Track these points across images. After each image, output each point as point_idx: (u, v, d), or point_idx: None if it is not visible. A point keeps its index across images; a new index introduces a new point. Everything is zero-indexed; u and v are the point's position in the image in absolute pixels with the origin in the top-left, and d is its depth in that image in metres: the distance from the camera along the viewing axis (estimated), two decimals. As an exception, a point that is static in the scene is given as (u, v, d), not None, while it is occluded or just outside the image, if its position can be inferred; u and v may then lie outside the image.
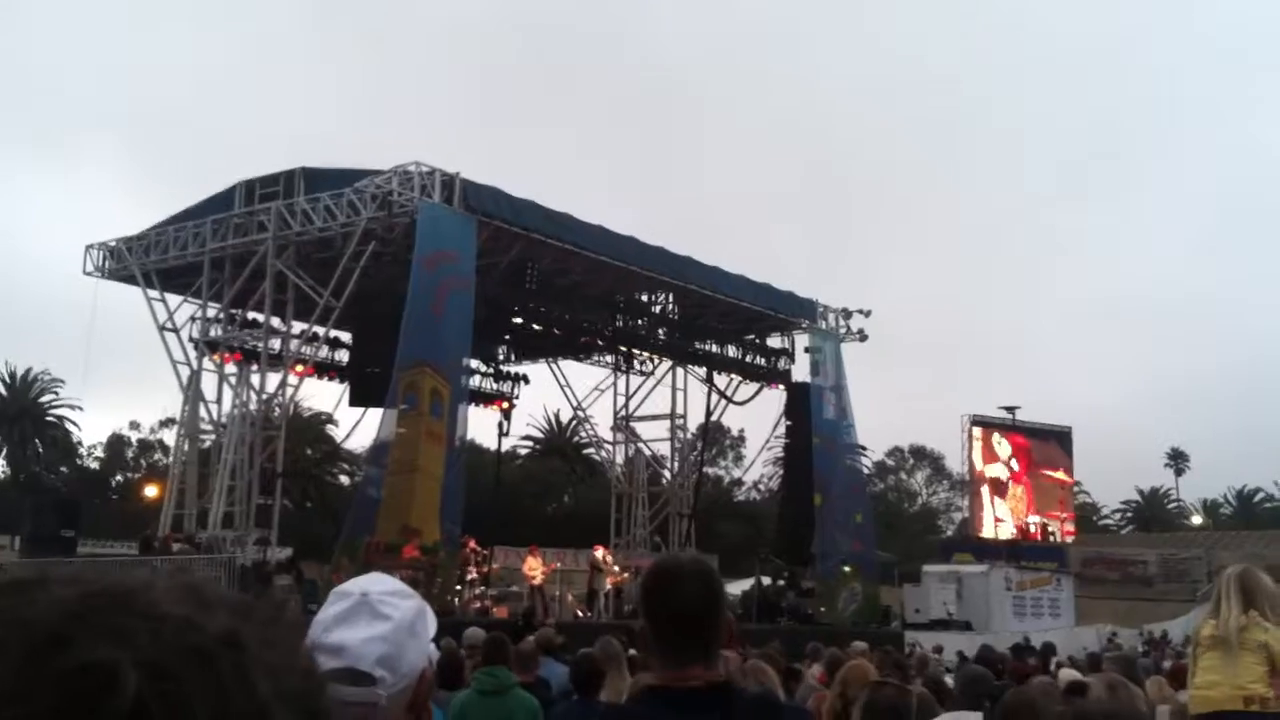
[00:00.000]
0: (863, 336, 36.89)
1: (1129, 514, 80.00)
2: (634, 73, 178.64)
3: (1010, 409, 48.05)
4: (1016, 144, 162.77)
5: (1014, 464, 46.76)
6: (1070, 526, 49.71)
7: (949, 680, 12.52)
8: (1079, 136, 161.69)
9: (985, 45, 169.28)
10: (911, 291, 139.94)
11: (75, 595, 0.63)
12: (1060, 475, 48.25)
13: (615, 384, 39.35)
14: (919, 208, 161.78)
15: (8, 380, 63.21)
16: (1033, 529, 46.85)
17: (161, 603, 0.65)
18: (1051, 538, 47.27)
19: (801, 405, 35.83)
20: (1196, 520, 75.72)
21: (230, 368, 29.67)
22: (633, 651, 12.36)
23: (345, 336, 31.89)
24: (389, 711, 2.10)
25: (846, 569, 34.38)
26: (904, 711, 4.90)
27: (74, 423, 64.06)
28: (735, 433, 68.26)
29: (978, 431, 46.31)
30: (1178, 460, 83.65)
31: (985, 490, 46.35)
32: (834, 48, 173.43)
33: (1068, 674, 10.24)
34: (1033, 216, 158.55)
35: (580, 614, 28.27)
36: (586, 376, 39.56)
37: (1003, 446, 46.37)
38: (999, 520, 46.13)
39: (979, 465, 46.34)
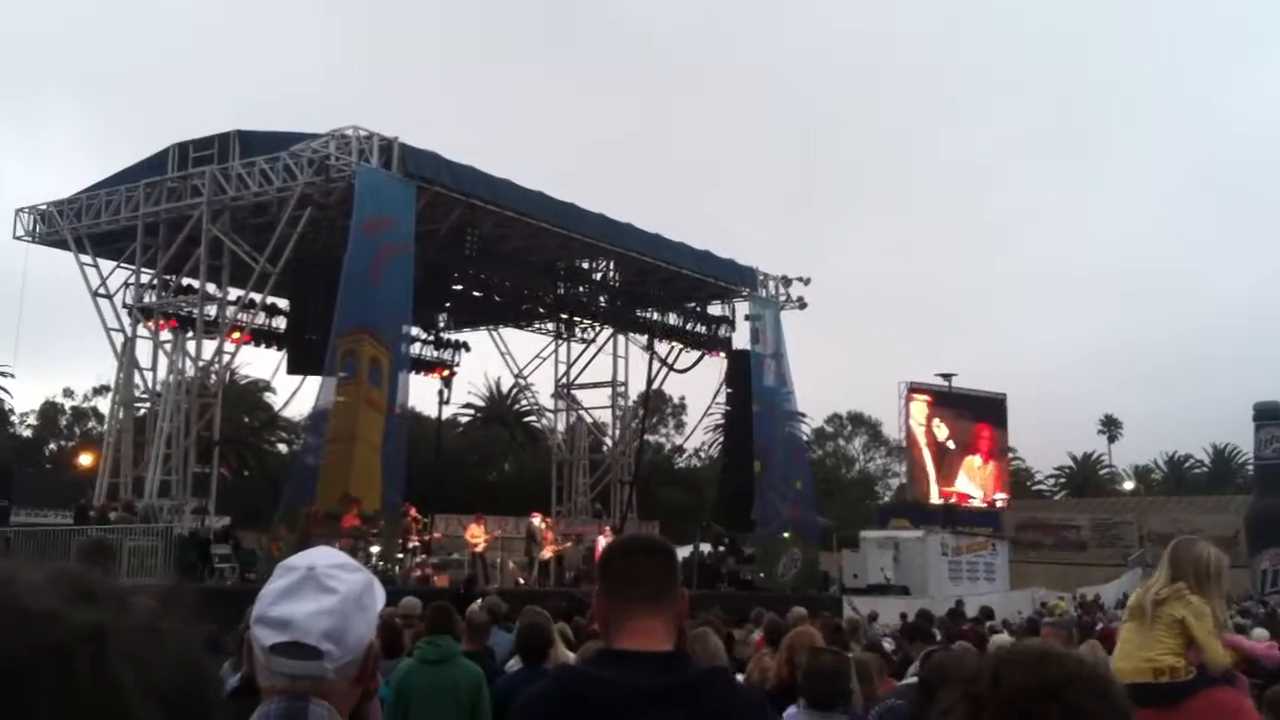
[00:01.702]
0: (802, 304, 37.12)
1: (1063, 480, 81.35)
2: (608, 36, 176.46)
3: (947, 376, 48.61)
4: (984, 109, 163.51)
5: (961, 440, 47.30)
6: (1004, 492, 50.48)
7: (887, 645, 12.75)
8: (1045, 106, 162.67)
9: (953, 10, 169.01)
10: (863, 259, 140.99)
11: None
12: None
13: (556, 351, 39.34)
14: (882, 173, 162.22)
15: (-65, 347, 61.74)
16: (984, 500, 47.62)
17: (22, 596, 0.62)
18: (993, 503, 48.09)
19: (742, 373, 36.02)
20: (1128, 486, 77.17)
21: (165, 334, 29.23)
22: (576, 619, 12.44)
23: (283, 303, 31.48)
24: (336, 685, 2.09)
25: (786, 535, 34.69)
26: (842, 675, 5.01)
27: (5, 390, 62.95)
28: (676, 400, 68.52)
29: (920, 402, 46.77)
30: (1111, 427, 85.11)
31: (927, 455, 46.82)
32: (801, 14, 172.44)
33: (998, 639, 10.41)
34: (992, 186, 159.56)
35: (521, 581, 28.31)
36: (527, 344, 39.51)
37: (940, 429, 46.85)
38: (948, 490, 46.61)
39: (917, 433, 46.84)
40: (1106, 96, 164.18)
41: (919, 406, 46.57)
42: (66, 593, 0.63)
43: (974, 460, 47.70)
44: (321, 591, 2.11)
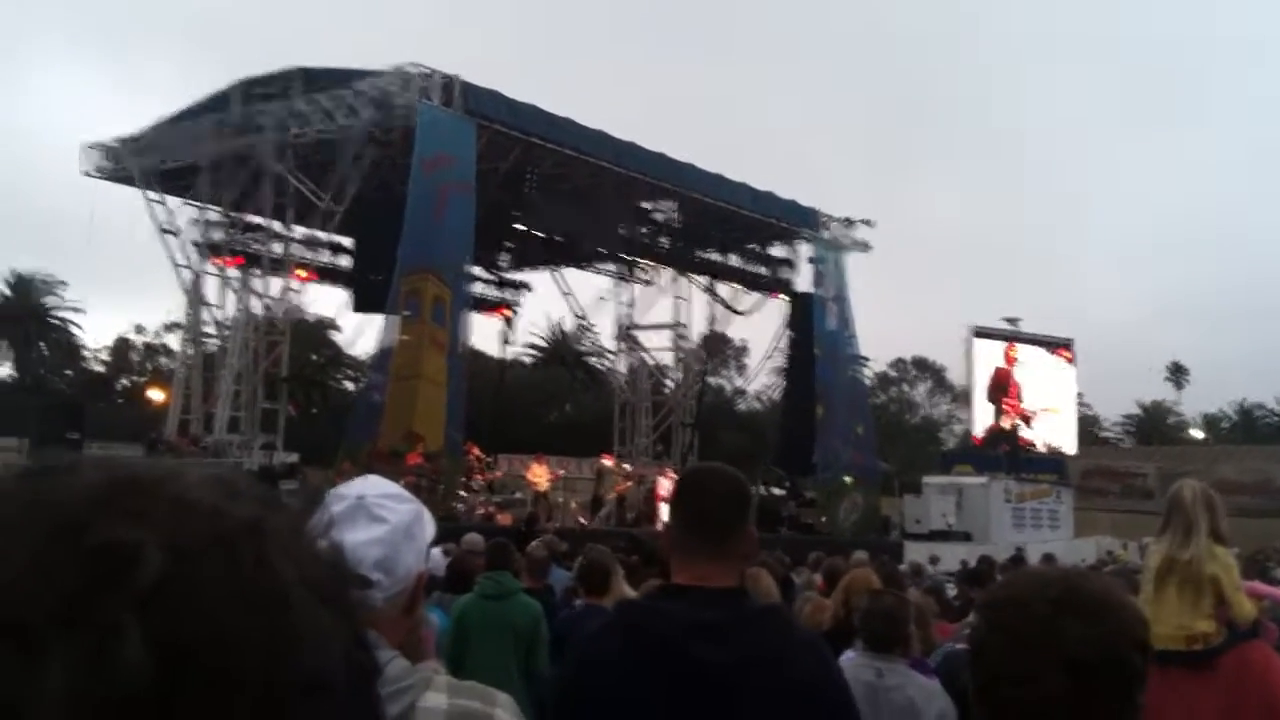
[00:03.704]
0: (866, 247, 36.73)
1: (1130, 428, 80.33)
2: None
3: (1012, 320, 47.89)
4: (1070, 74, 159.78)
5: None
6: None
7: (950, 590, 12.66)
8: (1141, 67, 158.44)
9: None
10: (934, 204, 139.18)
11: (102, 480, 0.65)
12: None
13: (618, 293, 39.32)
14: (966, 120, 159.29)
15: (11, 281, 62.96)
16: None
17: (189, 490, 0.66)
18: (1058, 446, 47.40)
19: (804, 316, 35.79)
20: (1197, 434, 76.02)
21: (232, 272, 29.58)
22: (634, 557, 12.47)
23: (347, 242, 31.71)
24: (386, 613, 2.07)
25: (847, 480, 34.60)
26: (900, 619, 4.95)
27: (77, 325, 64.00)
28: (738, 342, 68.27)
29: (986, 345, 46.13)
30: (1178, 375, 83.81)
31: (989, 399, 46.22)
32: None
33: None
34: (1071, 143, 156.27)
35: (583, 521, 28.50)
36: (589, 285, 39.51)
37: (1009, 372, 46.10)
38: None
39: (981, 376, 46.27)
40: (1188, 65, 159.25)
41: (985, 349, 45.91)
42: (225, 491, 0.68)
43: (1038, 405, 47.04)
44: (372, 521, 2.10)
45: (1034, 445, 46.40)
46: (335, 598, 0.68)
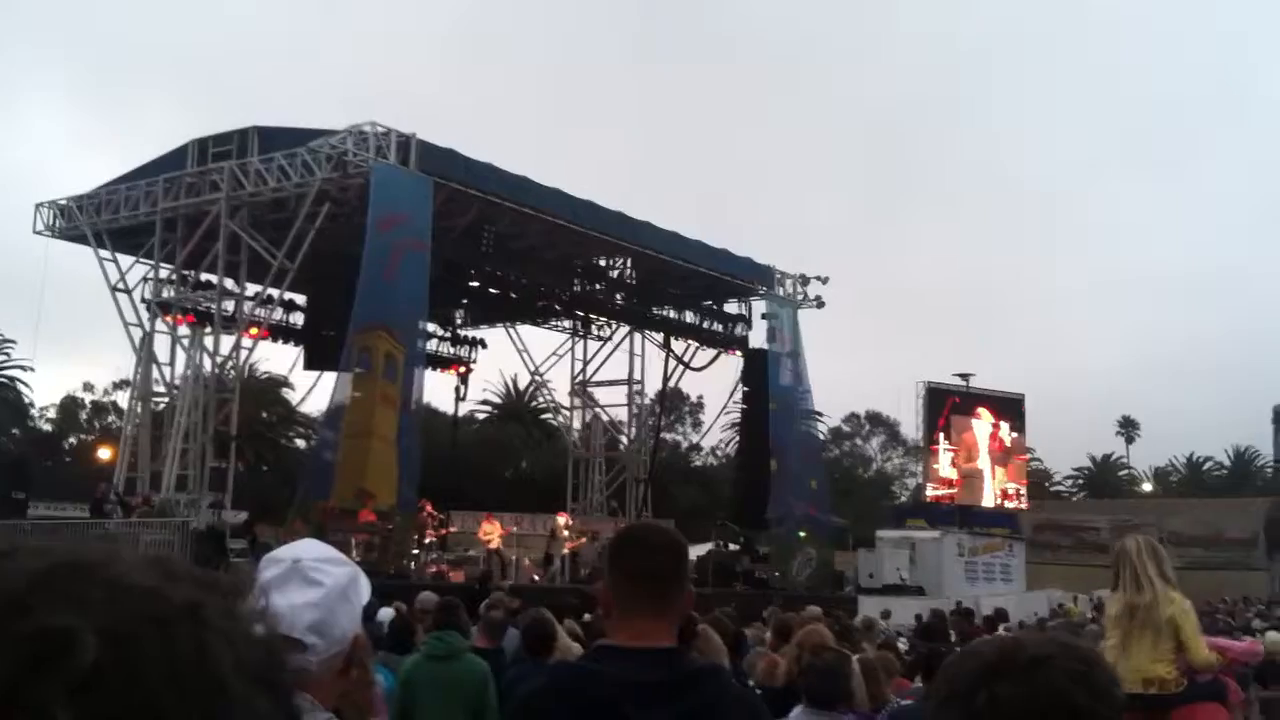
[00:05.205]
0: (820, 303, 37.06)
1: (1081, 481, 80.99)
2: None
3: (964, 376, 48.42)
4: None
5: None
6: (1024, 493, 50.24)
7: (901, 645, 12.71)
8: (1114, 127, 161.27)
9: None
10: (887, 261, 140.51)
11: (42, 565, 0.65)
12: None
13: (573, 349, 39.39)
14: (927, 177, 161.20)
15: (-42, 340, 62.01)
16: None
17: (126, 574, 0.67)
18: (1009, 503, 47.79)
19: (758, 371, 35.99)
20: (1147, 487, 76.73)
21: (183, 329, 29.36)
22: (587, 616, 12.43)
23: (300, 299, 31.62)
24: (319, 677, 2.09)
25: (801, 534, 34.66)
26: (842, 675, 5.01)
27: (25, 384, 63.19)
28: (693, 398, 68.49)
29: (937, 403, 46.55)
30: (1129, 428, 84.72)
31: (944, 456, 46.57)
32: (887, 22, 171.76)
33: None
34: (1012, 190, 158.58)
35: (536, 578, 28.34)
36: (544, 342, 39.55)
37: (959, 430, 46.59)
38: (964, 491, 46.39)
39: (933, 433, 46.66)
40: (1163, 122, 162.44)
41: (936, 406, 46.34)
42: (162, 573, 0.68)
43: (990, 461, 47.45)
44: (307, 584, 2.11)
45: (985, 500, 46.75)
46: (269, 680, 0.69)
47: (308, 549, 2.20)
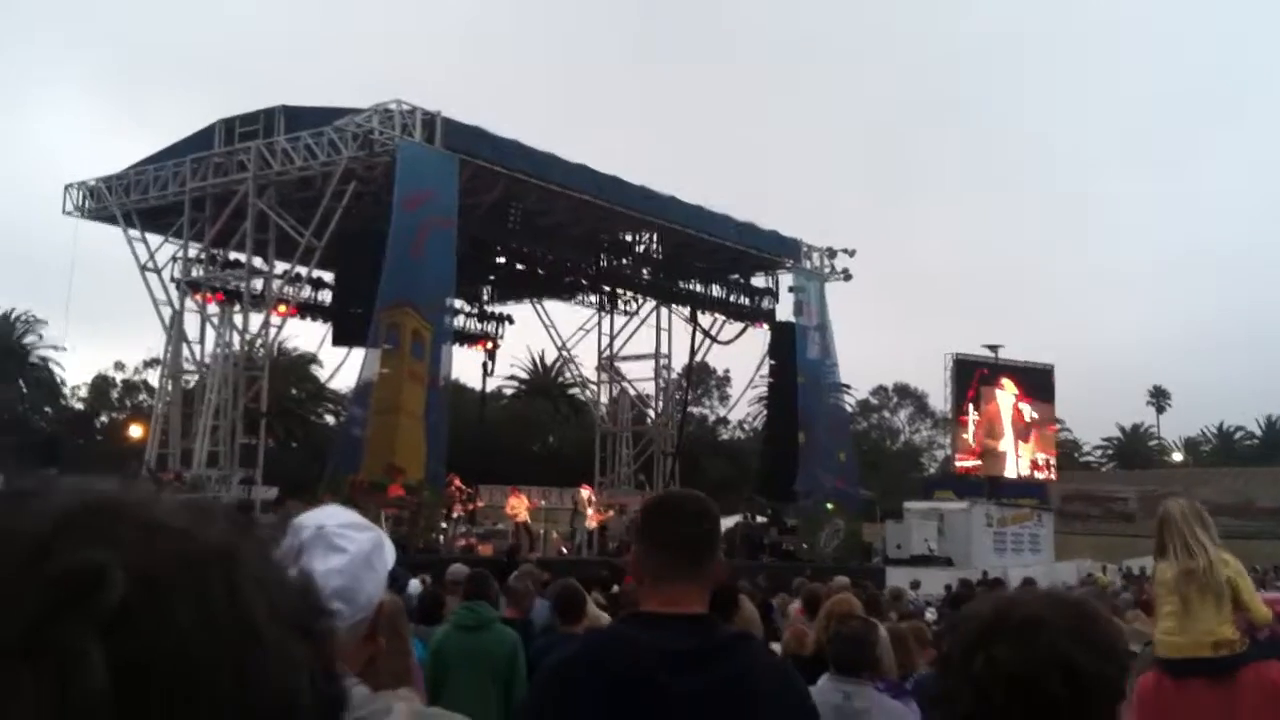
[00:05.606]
0: (847, 276, 36.93)
1: (1110, 451, 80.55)
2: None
3: (993, 347, 48.10)
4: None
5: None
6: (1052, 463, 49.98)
7: (930, 615, 12.73)
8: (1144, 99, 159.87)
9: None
10: (920, 233, 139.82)
11: (75, 503, 0.65)
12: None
13: (600, 324, 39.42)
14: (959, 147, 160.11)
15: (-8, 321, 62.62)
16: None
17: (159, 514, 0.66)
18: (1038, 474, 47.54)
19: (786, 345, 35.93)
20: (1177, 457, 76.27)
21: (213, 308, 29.57)
22: (615, 588, 12.51)
23: (328, 277, 31.73)
24: (344, 643, 2.11)
25: (829, 506, 34.64)
26: (868, 643, 5.03)
27: (58, 363, 63.73)
28: (720, 372, 68.44)
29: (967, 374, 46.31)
30: (1159, 398, 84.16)
31: (972, 426, 46.35)
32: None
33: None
34: (1056, 170, 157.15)
35: (564, 550, 28.47)
36: (571, 317, 39.62)
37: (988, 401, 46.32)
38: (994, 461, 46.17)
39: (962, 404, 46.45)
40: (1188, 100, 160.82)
41: (965, 378, 46.10)
42: (197, 515, 0.68)
43: (1013, 435, 47.20)
44: (331, 550, 2.12)
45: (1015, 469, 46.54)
46: (305, 626, 0.68)
47: (331, 515, 2.20)
